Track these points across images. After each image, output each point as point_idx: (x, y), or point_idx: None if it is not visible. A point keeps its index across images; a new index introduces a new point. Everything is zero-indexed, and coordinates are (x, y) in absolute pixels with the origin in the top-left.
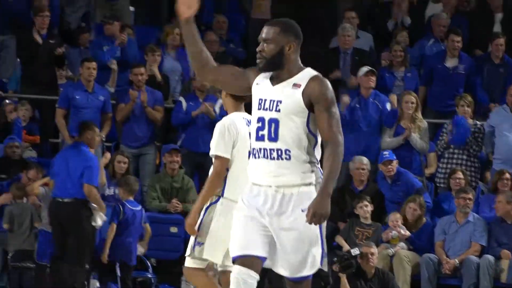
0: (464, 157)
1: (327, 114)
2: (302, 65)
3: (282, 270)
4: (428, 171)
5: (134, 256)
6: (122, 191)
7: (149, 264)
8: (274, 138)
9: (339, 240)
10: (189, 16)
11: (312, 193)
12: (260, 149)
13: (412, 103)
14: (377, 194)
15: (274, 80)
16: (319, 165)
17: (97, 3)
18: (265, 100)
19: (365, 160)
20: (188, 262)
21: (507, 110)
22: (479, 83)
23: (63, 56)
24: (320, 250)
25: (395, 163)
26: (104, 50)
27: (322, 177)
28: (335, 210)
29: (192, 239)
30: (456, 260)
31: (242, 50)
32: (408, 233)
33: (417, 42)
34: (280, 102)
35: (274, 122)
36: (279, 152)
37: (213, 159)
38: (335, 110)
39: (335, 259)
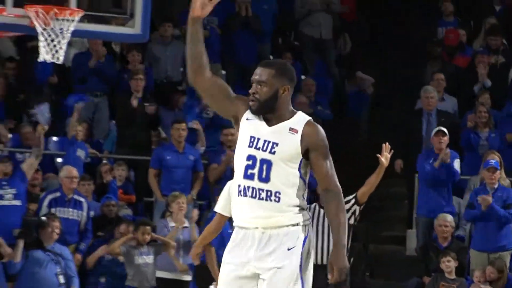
0: None
1: (326, 162)
2: (293, 108)
3: None
4: None
5: None
6: None
7: None
8: (265, 179)
9: None
10: (200, 15)
11: (299, 232)
12: (248, 187)
13: None
14: (461, 250)
15: (269, 121)
16: (307, 210)
17: None
18: (259, 139)
19: (449, 217)
20: None
21: None
22: None
23: (157, 118)
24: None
25: (498, 174)
26: (196, 112)
27: (309, 219)
28: (421, 266)
29: None
30: None
31: (330, 113)
32: None
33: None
34: (277, 144)
35: (267, 163)
36: (269, 193)
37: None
38: (330, 157)
39: None
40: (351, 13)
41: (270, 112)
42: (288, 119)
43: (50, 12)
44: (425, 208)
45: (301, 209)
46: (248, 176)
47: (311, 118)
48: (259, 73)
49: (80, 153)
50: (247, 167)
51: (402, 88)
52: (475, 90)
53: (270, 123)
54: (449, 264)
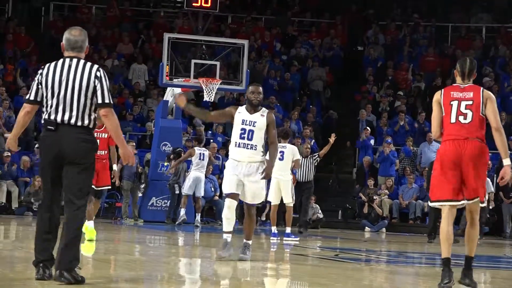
0: None
1: (274, 131)
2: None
3: (247, 199)
4: None
5: None
6: None
7: None
8: (250, 138)
9: None
10: (184, 105)
11: (262, 164)
12: (242, 143)
13: None
14: None
15: (249, 111)
16: (264, 154)
17: None
18: (246, 120)
19: None
20: None
21: None
22: None
23: None
24: (264, 192)
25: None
26: None
27: (267, 158)
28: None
29: None
30: None
31: None
32: None
33: None
34: (256, 122)
35: (250, 131)
36: (250, 146)
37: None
38: (276, 129)
39: None
40: None
41: (257, 106)
42: (259, 110)
43: (208, 80)
44: None
45: (263, 153)
46: (242, 138)
47: (269, 109)
48: (258, 89)
49: None
50: (241, 134)
51: None
52: None
53: (251, 112)
54: None
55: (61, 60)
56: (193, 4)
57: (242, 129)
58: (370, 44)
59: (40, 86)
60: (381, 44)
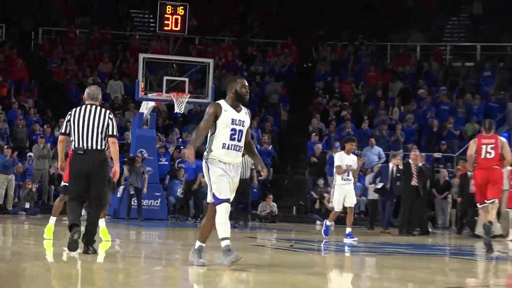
0: None
1: (249, 129)
2: None
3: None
4: None
5: None
6: None
7: None
8: (239, 140)
9: None
10: (193, 156)
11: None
12: (231, 145)
13: None
14: None
15: (235, 109)
16: None
17: None
18: (236, 119)
19: None
20: None
21: None
22: None
23: None
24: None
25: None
26: None
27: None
28: None
29: None
30: None
31: None
32: None
33: None
34: (244, 121)
35: (241, 131)
36: (239, 147)
37: None
38: None
39: None
40: None
41: (244, 104)
42: (242, 108)
43: (178, 94)
44: None
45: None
46: (232, 139)
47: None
48: (247, 85)
49: None
50: (232, 134)
51: None
52: None
53: (237, 110)
54: None
55: (84, 106)
56: (165, 28)
57: (232, 129)
58: (320, 61)
59: (69, 123)
60: (329, 61)
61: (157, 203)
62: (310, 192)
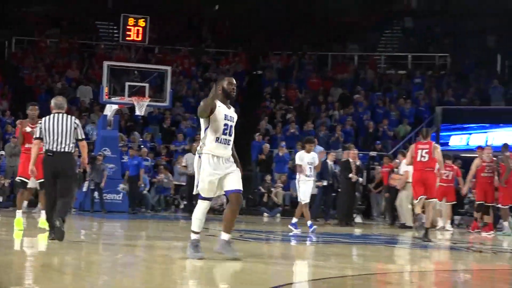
0: None
1: None
2: None
3: (235, 186)
4: None
5: None
6: None
7: None
8: (230, 134)
9: None
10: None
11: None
12: (223, 139)
13: None
14: None
15: (226, 105)
16: None
17: None
18: (228, 115)
19: None
20: None
21: None
22: None
23: None
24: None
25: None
26: None
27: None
28: None
29: None
30: None
31: None
32: None
33: None
34: (233, 117)
35: (231, 126)
36: (229, 141)
37: None
38: None
39: None
40: None
41: (231, 100)
42: (230, 106)
43: (139, 98)
44: None
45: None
46: (225, 134)
47: None
48: (234, 82)
49: None
50: (224, 130)
51: None
52: None
53: (227, 106)
54: None
55: (53, 115)
56: (127, 38)
57: (225, 124)
58: (267, 69)
59: (41, 129)
60: (276, 69)
61: (119, 197)
62: (258, 187)
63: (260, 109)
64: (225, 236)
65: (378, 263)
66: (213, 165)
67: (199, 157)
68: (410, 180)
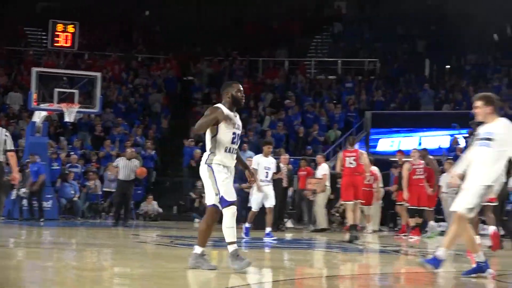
0: None
1: None
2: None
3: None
4: None
5: None
6: None
7: None
8: (237, 143)
9: None
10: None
11: None
12: (232, 148)
13: None
14: None
15: (233, 113)
16: None
17: None
18: (236, 123)
19: None
20: None
21: None
22: None
23: None
24: None
25: None
26: None
27: None
28: None
29: None
30: None
31: None
32: None
33: None
34: (240, 125)
35: (239, 135)
36: (236, 150)
37: None
38: None
39: None
40: None
41: (239, 108)
42: (236, 113)
43: (68, 105)
44: None
45: None
46: (234, 143)
47: None
48: (243, 89)
49: None
50: (233, 139)
51: None
52: None
53: (234, 114)
54: None
55: None
56: (56, 44)
57: (234, 133)
58: (198, 74)
59: None
60: (207, 74)
61: (49, 204)
62: (189, 193)
63: (191, 114)
64: (198, 249)
65: (300, 268)
66: (227, 173)
67: (209, 166)
68: (327, 183)
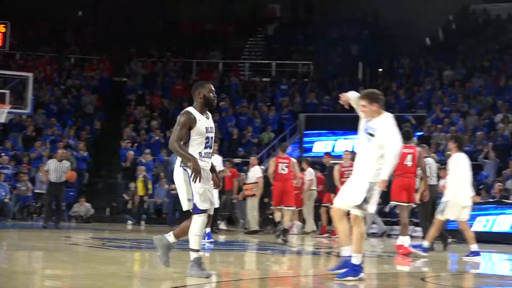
0: None
1: None
2: None
3: (214, 205)
4: None
5: None
6: None
7: None
8: (211, 147)
9: None
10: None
11: None
12: (206, 153)
13: None
14: None
15: (205, 116)
16: None
17: None
18: (208, 127)
19: None
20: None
21: None
22: None
23: None
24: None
25: None
26: None
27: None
28: None
29: None
30: None
31: None
32: None
33: None
34: (213, 127)
35: (212, 138)
36: (211, 154)
37: None
38: None
39: None
40: None
41: (211, 109)
42: (208, 114)
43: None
44: None
45: None
46: (207, 147)
47: None
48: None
49: None
50: (207, 142)
51: None
52: None
53: (206, 116)
54: None
55: None
56: None
57: (206, 137)
58: (132, 75)
59: None
60: (141, 75)
61: None
62: (123, 195)
63: (125, 115)
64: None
65: (225, 269)
66: (203, 179)
67: (184, 170)
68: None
